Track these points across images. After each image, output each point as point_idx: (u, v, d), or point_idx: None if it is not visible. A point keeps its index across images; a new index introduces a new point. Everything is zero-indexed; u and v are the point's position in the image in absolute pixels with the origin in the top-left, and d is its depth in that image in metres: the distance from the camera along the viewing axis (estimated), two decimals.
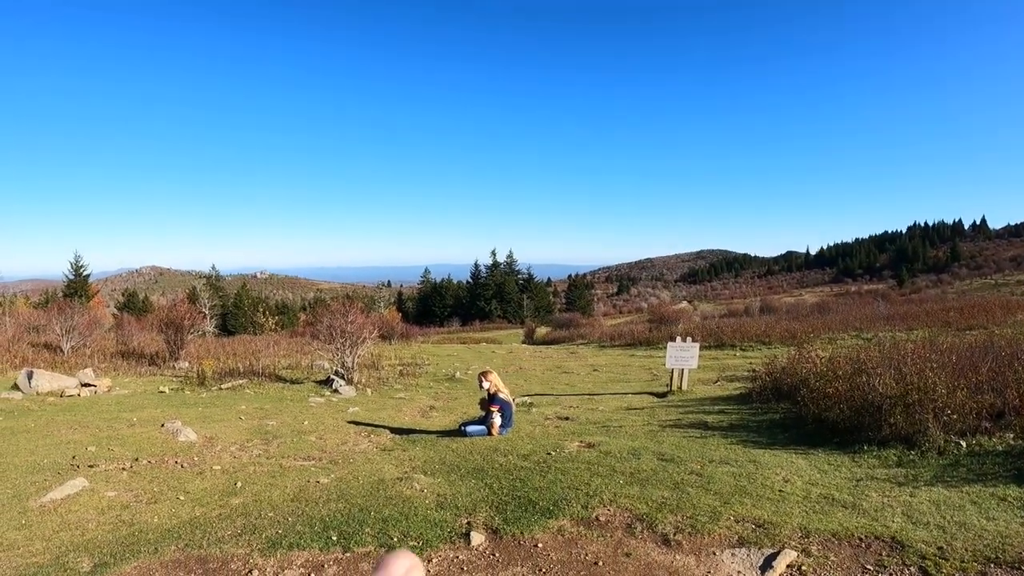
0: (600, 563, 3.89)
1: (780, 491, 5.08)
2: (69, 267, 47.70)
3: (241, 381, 14.36)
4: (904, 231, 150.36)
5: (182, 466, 6.97)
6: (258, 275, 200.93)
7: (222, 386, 13.76)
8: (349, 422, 9.92)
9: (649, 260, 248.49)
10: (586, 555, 4.01)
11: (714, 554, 3.95)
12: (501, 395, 8.32)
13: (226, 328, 51.55)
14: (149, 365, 17.92)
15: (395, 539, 4.31)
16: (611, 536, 4.28)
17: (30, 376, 12.25)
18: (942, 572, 3.51)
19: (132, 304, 60.51)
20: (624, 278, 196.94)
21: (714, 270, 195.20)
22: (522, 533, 4.36)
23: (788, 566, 3.71)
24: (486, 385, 8.42)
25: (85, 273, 48.30)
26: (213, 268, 76.59)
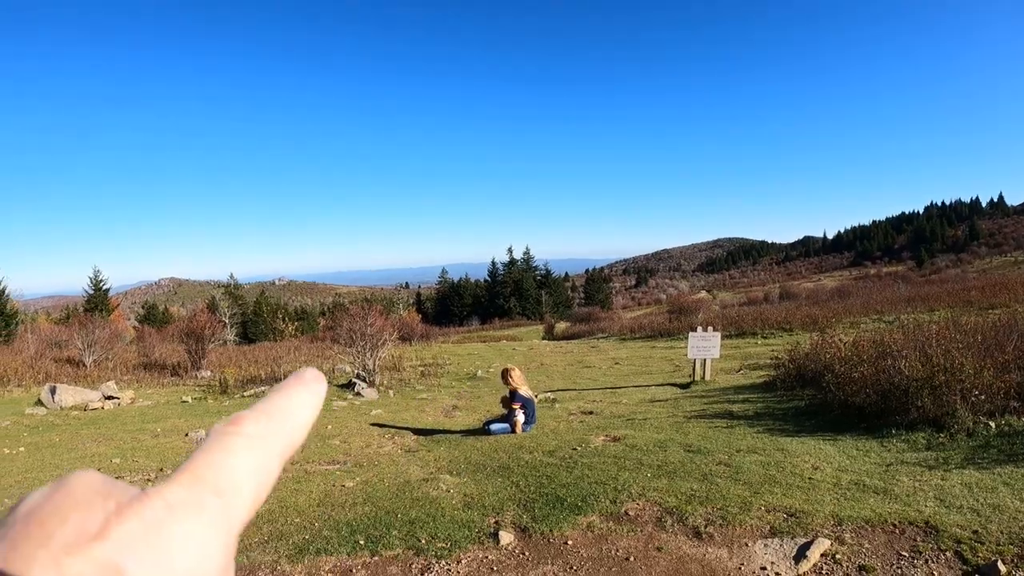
0: (631, 558, 3.87)
1: (810, 479, 5.02)
2: (88, 282, 48.18)
3: (263, 388, 14.47)
4: (921, 211, 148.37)
5: None
6: (276, 282, 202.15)
7: (244, 394, 13.88)
8: (372, 424, 9.95)
9: (666, 251, 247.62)
10: (617, 551, 3.98)
11: (746, 545, 3.91)
12: (523, 392, 8.29)
13: (247, 336, 51.92)
14: (171, 376, 18.13)
15: (423, 541, 4.30)
16: (641, 531, 4.25)
17: (53, 391, 12.43)
18: (978, 556, 3.45)
19: (152, 316, 61.22)
20: (642, 270, 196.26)
21: (732, 258, 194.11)
22: (551, 531, 4.33)
23: (822, 555, 3.66)
24: (509, 382, 8.40)
25: (104, 287, 48.75)
26: (231, 277, 77.10)
